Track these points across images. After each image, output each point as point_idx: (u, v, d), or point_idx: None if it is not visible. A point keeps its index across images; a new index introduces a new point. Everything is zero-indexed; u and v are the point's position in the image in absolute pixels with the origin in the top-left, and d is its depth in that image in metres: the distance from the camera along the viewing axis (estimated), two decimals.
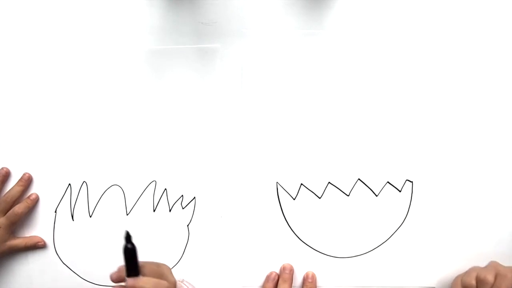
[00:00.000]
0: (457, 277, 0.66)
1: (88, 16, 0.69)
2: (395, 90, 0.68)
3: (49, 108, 0.71)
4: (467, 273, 0.64)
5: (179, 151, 0.70)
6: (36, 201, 0.71)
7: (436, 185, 0.69)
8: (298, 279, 0.70)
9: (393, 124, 0.69)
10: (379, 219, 0.69)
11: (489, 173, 0.68)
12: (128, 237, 0.54)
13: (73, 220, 0.72)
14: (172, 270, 0.61)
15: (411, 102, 0.68)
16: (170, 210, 0.71)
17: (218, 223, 0.71)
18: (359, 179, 0.69)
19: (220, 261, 0.71)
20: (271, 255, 0.70)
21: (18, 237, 0.72)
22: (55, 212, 0.72)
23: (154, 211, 0.71)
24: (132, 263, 0.54)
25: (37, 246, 0.71)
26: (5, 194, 0.71)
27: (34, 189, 0.72)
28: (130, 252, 0.54)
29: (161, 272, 0.58)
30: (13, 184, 0.71)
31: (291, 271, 0.70)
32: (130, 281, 0.54)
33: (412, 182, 0.69)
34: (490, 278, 0.61)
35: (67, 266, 0.72)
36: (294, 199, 0.70)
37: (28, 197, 0.71)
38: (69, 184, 0.72)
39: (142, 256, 0.57)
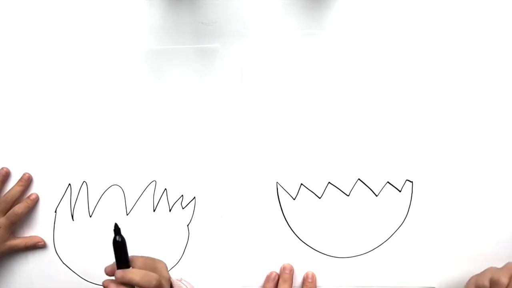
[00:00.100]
0: (472, 277, 0.64)
1: (88, 16, 0.69)
2: (395, 90, 0.68)
3: (49, 108, 0.71)
4: (482, 273, 0.63)
5: (179, 151, 0.70)
6: (36, 201, 0.71)
7: (436, 185, 0.69)
8: (298, 279, 0.70)
9: (393, 124, 0.69)
10: (379, 219, 0.69)
11: (489, 173, 0.68)
12: (117, 230, 0.55)
13: (73, 220, 0.72)
14: (172, 270, 0.61)
15: (411, 102, 0.68)
16: (170, 210, 0.71)
17: (218, 223, 0.71)
18: (359, 179, 0.69)
19: (220, 261, 0.71)
20: (271, 255, 0.70)
21: (18, 237, 0.72)
22: (55, 212, 0.72)
23: (154, 211, 0.71)
24: (121, 255, 0.55)
25: (37, 246, 0.71)
26: (5, 194, 0.71)
27: (34, 189, 0.72)
28: (119, 244, 0.55)
29: (154, 266, 0.58)
30: (13, 184, 0.71)
31: (291, 271, 0.70)
32: (119, 272, 0.54)
33: (412, 182, 0.69)
34: (504, 280, 0.59)
35: (67, 266, 0.72)
36: (294, 199, 0.70)
37: (28, 197, 0.71)
38: (69, 184, 0.72)
39: (143, 255, 0.57)
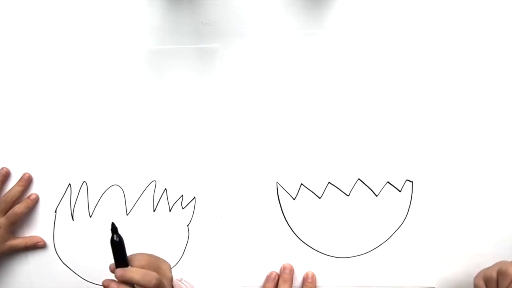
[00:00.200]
0: (481, 270, 0.64)
1: (88, 16, 0.69)
2: (395, 90, 0.68)
3: (49, 108, 0.71)
4: (492, 266, 0.62)
5: (179, 151, 0.70)
6: (36, 201, 0.71)
7: (436, 185, 0.69)
8: (298, 279, 0.70)
9: (392, 124, 0.69)
10: (379, 219, 0.69)
11: (489, 173, 0.68)
12: (114, 229, 0.55)
13: (73, 220, 0.72)
14: (172, 270, 0.61)
15: (411, 102, 0.68)
16: (170, 210, 0.71)
17: (218, 223, 0.71)
18: (359, 179, 0.69)
19: (220, 261, 0.71)
20: (271, 255, 0.70)
21: (18, 237, 0.72)
22: (55, 212, 0.72)
23: (154, 211, 0.71)
24: (119, 255, 0.55)
25: (37, 246, 0.71)
26: (5, 194, 0.71)
27: (34, 189, 0.72)
28: (116, 244, 0.55)
29: (158, 265, 0.58)
30: (13, 184, 0.71)
31: (291, 271, 0.70)
32: (119, 271, 0.54)
33: (412, 182, 0.69)
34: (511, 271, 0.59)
35: (67, 266, 0.72)
36: (294, 199, 0.70)
37: (28, 197, 0.71)
38: (69, 184, 0.72)
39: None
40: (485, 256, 0.67)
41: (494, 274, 0.61)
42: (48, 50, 0.70)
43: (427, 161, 0.69)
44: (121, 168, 0.71)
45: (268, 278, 0.70)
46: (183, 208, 0.71)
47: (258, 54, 0.68)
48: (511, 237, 0.69)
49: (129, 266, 0.56)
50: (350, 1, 0.67)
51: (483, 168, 0.68)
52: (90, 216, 0.72)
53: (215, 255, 0.71)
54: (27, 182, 0.71)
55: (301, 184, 0.70)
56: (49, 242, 0.72)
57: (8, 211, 0.70)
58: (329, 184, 0.69)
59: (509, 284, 0.58)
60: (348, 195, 0.69)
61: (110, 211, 0.71)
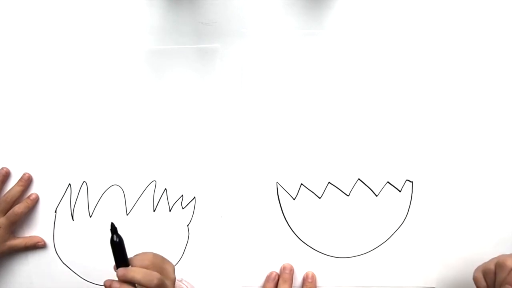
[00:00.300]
0: (480, 265, 0.64)
1: (88, 16, 0.69)
2: (395, 90, 0.68)
3: (49, 108, 0.71)
4: (491, 259, 0.62)
5: (179, 151, 0.70)
6: (36, 201, 0.71)
7: (436, 185, 0.69)
8: (298, 279, 0.70)
9: (392, 124, 0.69)
10: (379, 219, 0.69)
11: (489, 173, 0.68)
12: (113, 229, 0.55)
13: (73, 220, 0.72)
14: None
15: (411, 102, 0.68)
16: (170, 210, 0.71)
17: (218, 223, 0.71)
18: (359, 179, 0.69)
19: (220, 261, 0.71)
20: (271, 255, 0.70)
21: (18, 237, 0.72)
22: (55, 212, 0.72)
23: (154, 211, 0.71)
24: (120, 255, 0.55)
25: (37, 246, 0.71)
26: (5, 194, 0.71)
27: (34, 189, 0.72)
28: (116, 244, 0.55)
29: (162, 266, 0.58)
30: (13, 184, 0.71)
31: (291, 271, 0.70)
32: (121, 271, 0.54)
33: (412, 182, 0.69)
34: (510, 263, 0.59)
35: (67, 266, 0.72)
36: (294, 199, 0.70)
37: (28, 197, 0.71)
38: (69, 184, 0.72)
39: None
40: (485, 256, 0.67)
41: (492, 267, 0.61)
42: (48, 50, 0.70)
43: (427, 161, 0.69)
44: (121, 168, 0.71)
45: (268, 278, 0.70)
46: (183, 208, 0.71)
47: (258, 54, 0.68)
48: (511, 237, 0.69)
49: (130, 266, 0.56)
50: (350, 1, 0.67)
51: (483, 168, 0.68)
52: (90, 216, 0.72)
53: (215, 255, 0.71)
54: (27, 182, 0.71)
55: (301, 184, 0.70)
56: (49, 242, 0.72)
57: (8, 211, 0.70)
58: (329, 184, 0.70)
59: (507, 275, 0.58)
60: (348, 195, 0.69)
61: (110, 211, 0.71)
